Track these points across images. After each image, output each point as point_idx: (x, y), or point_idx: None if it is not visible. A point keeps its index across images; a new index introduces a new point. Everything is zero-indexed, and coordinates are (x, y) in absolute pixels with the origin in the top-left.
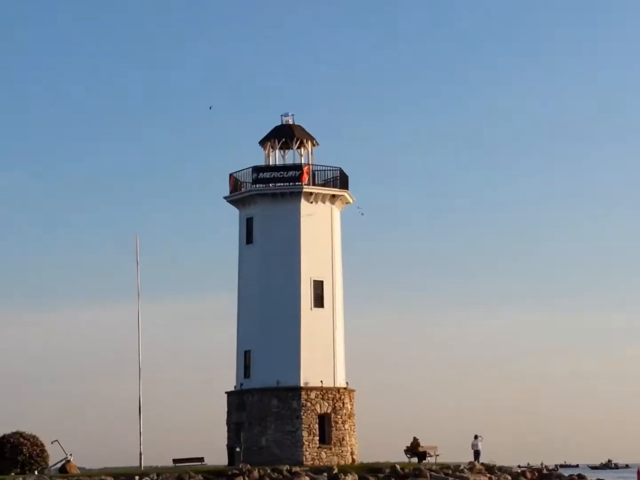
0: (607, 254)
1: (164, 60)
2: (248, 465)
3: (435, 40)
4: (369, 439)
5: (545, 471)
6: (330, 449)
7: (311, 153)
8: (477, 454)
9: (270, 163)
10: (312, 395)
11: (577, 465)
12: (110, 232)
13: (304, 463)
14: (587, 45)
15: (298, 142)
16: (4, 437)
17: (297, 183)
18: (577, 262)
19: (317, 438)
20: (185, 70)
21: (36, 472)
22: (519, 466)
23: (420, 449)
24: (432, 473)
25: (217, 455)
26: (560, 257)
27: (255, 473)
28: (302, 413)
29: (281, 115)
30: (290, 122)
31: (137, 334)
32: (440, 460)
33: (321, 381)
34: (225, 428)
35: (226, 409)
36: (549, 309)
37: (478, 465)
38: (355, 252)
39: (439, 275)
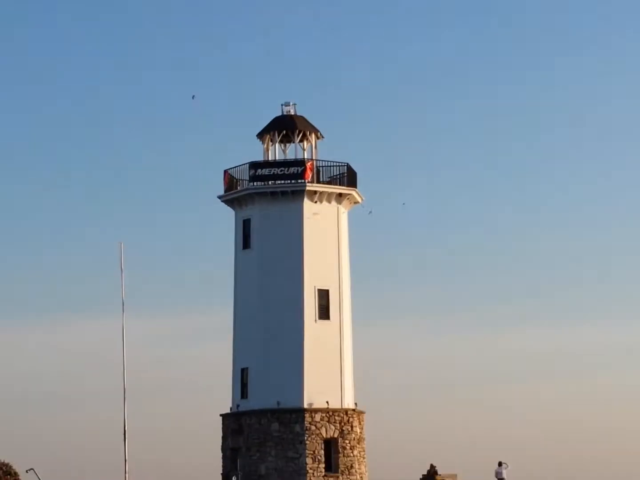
0: None
1: (158, 58)
2: None
3: (463, 24)
4: (381, 466)
5: None
6: (338, 477)
7: (315, 147)
8: None
9: (270, 158)
10: (317, 417)
11: None
12: (91, 239)
13: None
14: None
15: (300, 135)
16: None
17: (299, 180)
18: None
19: (323, 465)
20: (174, 62)
21: None
22: None
23: (438, 478)
24: None
25: None
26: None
27: None
28: (305, 438)
29: (282, 105)
30: (292, 112)
31: (122, 350)
32: None
33: (327, 402)
34: (220, 454)
35: (221, 434)
36: (573, 327)
37: None
38: (365, 258)
39: (460, 283)
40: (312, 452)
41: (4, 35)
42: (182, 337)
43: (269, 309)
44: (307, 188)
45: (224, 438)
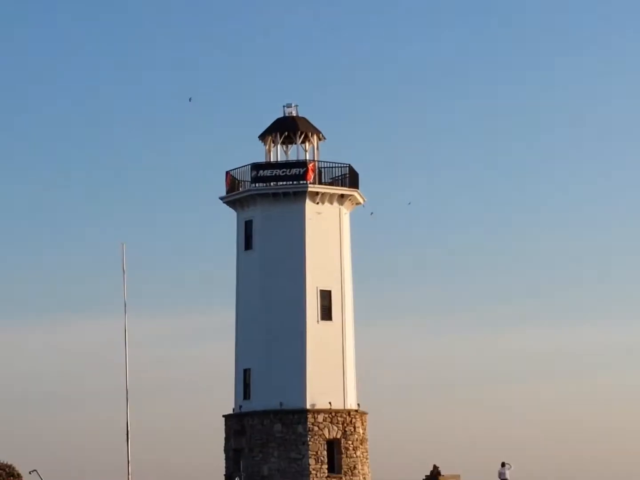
0: None
1: (158, 58)
2: None
3: (465, 23)
4: (384, 467)
5: None
6: (341, 478)
7: (317, 148)
8: None
9: (272, 159)
10: (320, 418)
11: None
12: (93, 239)
13: None
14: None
15: (302, 136)
16: None
17: (301, 182)
18: None
19: (326, 466)
20: (175, 64)
21: None
22: None
23: (441, 479)
24: None
25: None
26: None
27: None
28: (308, 438)
29: (283, 106)
30: (294, 113)
31: (125, 351)
32: None
33: (330, 403)
34: (223, 455)
35: (224, 434)
36: (574, 326)
37: None
38: (367, 259)
39: (460, 283)
40: (314, 453)
41: (4, 35)
42: (183, 338)
43: (271, 310)
44: (309, 189)
45: (226, 439)
